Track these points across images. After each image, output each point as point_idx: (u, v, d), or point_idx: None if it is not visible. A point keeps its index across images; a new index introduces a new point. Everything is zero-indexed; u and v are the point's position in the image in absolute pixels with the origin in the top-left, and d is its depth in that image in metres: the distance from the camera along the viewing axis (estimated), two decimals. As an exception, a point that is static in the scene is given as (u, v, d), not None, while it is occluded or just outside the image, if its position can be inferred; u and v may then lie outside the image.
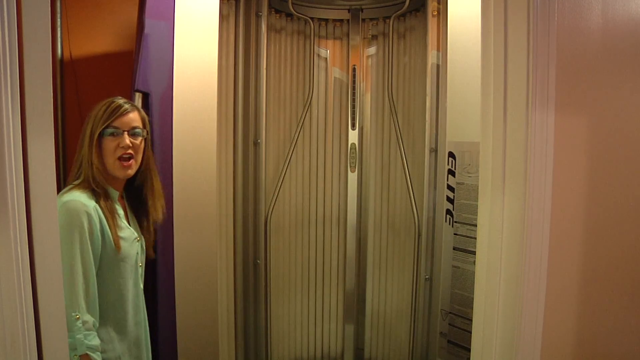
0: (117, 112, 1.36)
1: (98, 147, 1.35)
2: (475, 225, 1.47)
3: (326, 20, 2.36)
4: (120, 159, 1.36)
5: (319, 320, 2.47)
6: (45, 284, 0.88)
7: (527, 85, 1.07)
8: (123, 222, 1.41)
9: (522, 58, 1.07)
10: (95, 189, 1.34)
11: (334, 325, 2.48)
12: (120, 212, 1.42)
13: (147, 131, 1.46)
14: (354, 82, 2.32)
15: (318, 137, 2.40)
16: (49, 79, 0.87)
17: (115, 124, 1.36)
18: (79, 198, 1.29)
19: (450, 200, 1.94)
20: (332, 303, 2.47)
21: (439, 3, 2.05)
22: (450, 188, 1.94)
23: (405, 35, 2.31)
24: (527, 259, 1.09)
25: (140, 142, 1.41)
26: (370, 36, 2.36)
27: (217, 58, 1.79)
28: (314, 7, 2.33)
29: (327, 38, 2.38)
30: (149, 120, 1.50)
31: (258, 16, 2.16)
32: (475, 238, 1.43)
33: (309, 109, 2.32)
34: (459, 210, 1.90)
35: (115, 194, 1.41)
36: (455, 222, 1.92)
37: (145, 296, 1.52)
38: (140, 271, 1.48)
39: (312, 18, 2.31)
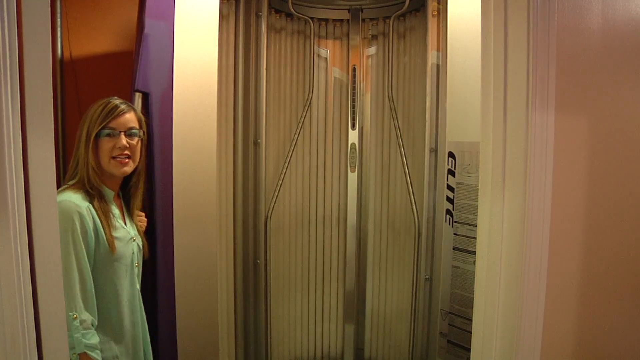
0: (114, 112, 1.36)
1: (94, 148, 1.35)
2: (475, 225, 1.47)
3: (326, 20, 2.36)
4: (116, 157, 1.37)
5: (319, 320, 2.47)
6: (45, 283, 0.88)
7: (527, 85, 1.07)
8: (118, 222, 1.41)
9: (522, 58, 1.07)
10: (90, 190, 1.34)
11: (334, 325, 2.48)
12: (116, 211, 1.42)
13: (144, 131, 1.46)
14: (354, 82, 2.32)
15: (318, 137, 2.40)
16: (49, 79, 0.87)
17: (112, 124, 1.36)
18: (72, 198, 1.29)
19: (450, 200, 1.94)
20: (332, 303, 2.47)
21: (439, 3, 2.05)
22: (450, 188, 1.94)
23: (405, 35, 2.31)
24: (527, 259, 1.09)
25: (137, 143, 1.42)
26: (370, 36, 2.36)
27: (217, 58, 1.79)
28: (314, 7, 2.33)
29: (327, 38, 2.38)
30: (146, 121, 1.50)
31: (258, 16, 2.16)
32: (475, 238, 1.43)
33: (309, 109, 2.32)
34: (459, 210, 1.90)
35: (110, 193, 1.41)
36: (455, 222, 1.92)
37: (145, 296, 1.52)
38: (137, 271, 1.48)
39: (312, 18, 2.31)
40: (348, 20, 2.35)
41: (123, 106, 1.39)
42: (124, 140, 1.37)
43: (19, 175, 0.82)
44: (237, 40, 2.10)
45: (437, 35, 2.05)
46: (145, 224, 1.60)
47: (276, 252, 2.32)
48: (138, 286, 1.48)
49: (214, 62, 1.78)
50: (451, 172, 1.93)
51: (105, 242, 1.33)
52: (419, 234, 2.14)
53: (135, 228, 1.49)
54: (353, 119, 2.34)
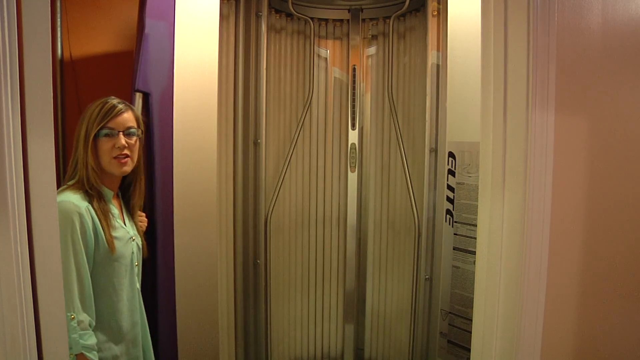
0: (112, 112, 1.36)
1: (93, 148, 1.35)
2: (475, 225, 1.47)
3: (326, 20, 2.36)
4: (116, 157, 1.37)
5: (319, 320, 2.47)
6: (45, 284, 0.88)
7: (527, 85, 1.07)
8: (117, 222, 1.41)
9: (522, 58, 1.07)
10: (89, 190, 1.34)
11: (334, 325, 2.48)
12: (115, 211, 1.42)
13: (142, 130, 1.46)
14: (354, 82, 2.32)
15: (318, 137, 2.40)
16: (49, 79, 0.87)
17: (110, 124, 1.36)
18: (71, 198, 1.29)
19: (450, 200, 1.94)
20: (332, 303, 2.47)
21: (439, 3, 2.05)
22: (450, 188, 1.94)
23: (405, 35, 2.31)
24: (527, 259, 1.09)
25: (135, 142, 1.42)
26: (370, 36, 2.36)
27: (217, 58, 1.79)
28: (314, 7, 2.33)
29: (327, 38, 2.38)
30: (145, 120, 1.50)
31: (258, 16, 2.16)
32: (475, 238, 1.43)
33: (309, 109, 2.32)
34: (459, 210, 1.90)
35: (110, 193, 1.41)
36: (455, 222, 1.92)
37: (145, 296, 1.52)
38: (137, 270, 1.48)
39: (312, 18, 2.31)
40: (348, 20, 2.35)
41: (121, 106, 1.39)
42: (122, 140, 1.37)
43: (19, 175, 0.82)
44: (237, 41, 2.10)
45: (437, 35, 2.05)
46: (146, 224, 1.60)
47: (276, 252, 2.32)
48: (138, 286, 1.48)
49: (214, 62, 1.78)
50: (451, 172, 1.93)
51: (105, 242, 1.33)
52: (419, 234, 2.14)
53: (134, 227, 1.49)
54: (353, 119, 2.34)
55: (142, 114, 1.62)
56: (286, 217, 2.37)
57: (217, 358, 1.84)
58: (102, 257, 1.34)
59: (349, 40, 2.34)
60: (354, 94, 2.33)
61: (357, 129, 2.35)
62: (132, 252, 1.44)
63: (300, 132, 2.32)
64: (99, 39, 2.20)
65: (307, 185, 2.41)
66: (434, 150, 2.06)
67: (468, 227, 1.87)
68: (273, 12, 2.26)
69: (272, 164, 2.30)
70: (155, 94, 1.70)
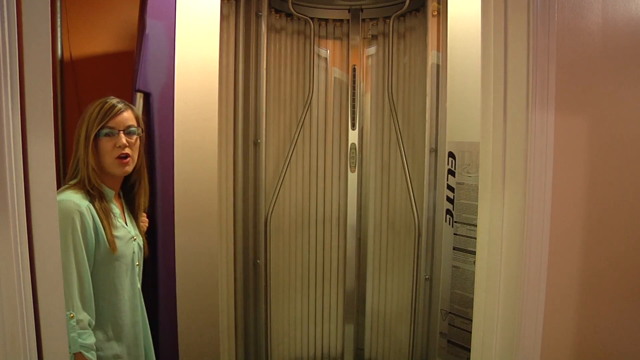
0: (112, 112, 1.37)
1: (94, 148, 1.35)
2: (475, 225, 1.47)
3: (326, 20, 2.36)
4: (117, 157, 1.37)
5: (319, 320, 2.47)
6: (45, 284, 0.88)
7: (527, 85, 1.07)
8: (119, 221, 1.41)
9: (522, 58, 1.07)
10: (90, 190, 1.34)
11: (334, 325, 2.48)
12: (117, 211, 1.42)
13: (142, 129, 1.47)
14: (354, 82, 2.32)
15: (318, 137, 2.40)
16: (49, 79, 0.87)
17: (111, 124, 1.36)
18: (72, 198, 1.30)
19: (450, 200, 1.94)
20: (332, 303, 2.47)
21: (439, 3, 2.05)
22: (450, 188, 1.94)
23: (405, 35, 2.31)
24: (527, 259, 1.09)
25: (136, 141, 1.42)
26: (370, 36, 2.36)
27: (218, 58, 1.79)
28: (314, 7, 2.33)
29: (327, 38, 2.38)
30: (146, 120, 1.50)
31: (258, 16, 2.16)
32: (475, 238, 1.43)
33: (309, 109, 2.32)
34: (459, 210, 1.90)
35: (111, 193, 1.42)
36: (455, 222, 1.92)
37: (146, 296, 1.52)
38: (138, 270, 1.48)
39: (312, 18, 2.31)
40: (348, 20, 2.34)
41: (120, 105, 1.39)
42: (123, 139, 1.37)
43: (19, 175, 0.82)
44: (237, 40, 2.10)
45: (437, 35, 2.05)
46: (147, 225, 1.60)
47: (276, 252, 2.32)
48: (139, 285, 1.48)
49: (215, 62, 1.78)
50: (451, 172, 1.93)
51: (106, 241, 1.33)
52: (419, 234, 2.14)
53: (135, 227, 1.49)
54: (353, 119, 2.34)
55: (142, 114, 1.62)
56: (286, 217, 2.37)
57: (217, 357, 1.84)
58: (103, 256, 1.34)
59: (349, 40, 2.34)
60: (354, 94, 2.33)
61: (357, 129, 2.35)
62: (133, 252, 1.44)
63: (300, 132, 2.32)
64: (99, 39, 2.20)
65: (307, 185, 2.41)
66: (434, 150, 2.06)
67: (468, 227, 1.87)
68: (273, 12, 2.26)
69: (272, 164, 2.30)
70: (156, 94, 1.70)
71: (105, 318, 1.36)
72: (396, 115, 2.26)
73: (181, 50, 1.71)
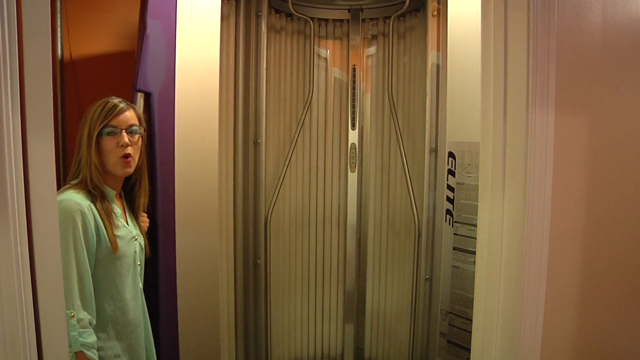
0: (114, 111, 1.37)
1: (97, 148, 1.35)
2: (475, 225, 1.47)
3: (326, 20, 2.36)
4: (121, 157, 1.37)
5: (319, 320, 2.47)
6: (45, 283, 0.88)
7: (527, 85, 1.07)
8: (120, 221, 1.41)
9: (522, 58, 1.07)
10: (92, 190, 1.34)
11: (334, 325, 2.48)
12: (118, 210, 1.42)
13: (144, 128, 1.47)
14: (354, 82, 2.32)
15: (318, 137, 2.40)
16: (49, 79, 0.87)
17: (113, 123, 1.37)
18: (73, 197, 1.30)
19: (450, 200, 1.94)
20: (332, 303, 2.47)
21: (439, 3, 2.05)
22: (450, 188, 1.94)
23: (405, 35, 2.31)
24: (527, 259, 1.09)
25: (138, 140, 1.43)
26: (370, 36, 2.36)
27: (218, 58, 1.79)
28: (314, 7, 2.33)
29: (327, 38, 2.38)
30: (148, 120, 1.50)
31: (258, 16, 2.16)
32: (475, 238, 1.43)
33: (309, 109, 2.32)
34: (459, 210, 1.90)
35: (112, 193, 1.42)
36: (455, 222, 1.92)
37: (147, 296, 1.52)
38: (139, 270, 1.48)
39: (312, 18, 2.31)
40: (348, 20, 2.34)
41: (122, 105, 1.40)
42: (125, 138, 1.37)
43: (19, 175, 0.82)
44: (238, 40, 2.10)
45: (437, 35, 2.05)
46: (147, 225, 1.60)
47: (276, 252, 2.32)
48: (140, 285, 1.48)
49: (216, 62, 1.78)
50: (451, 172, 1.93)
51: (107, 241, 1.33)
52: (419, 234, 2.14)
53: (137, 227, 1.49)
54: (353, 119, 2.34)
55: (143, 113, 1.62)
56: (286, 217, 2.37)
57: (217, 357, 1.84)
58: (104, 256, 1.34)
59: (349, 40, 2.34)
60: (354, 94, 2.33)
61: (357, 129, 2.35)
62: (135, 252, 1.44)
63: (300, 132, 2.32)
64: (99, 39, 2.20)
65: (307, 185, 2.41)
66: (434, 150, 2.06)
67: (468, 227, 1.87)
68: (273, 12, 2.26)
69: (272, 164, 2.30)
70: (157, 94, 1.70)
71: (106, 317, 1.36)
72: (396, 115, 2.26)
73: (181, 50, 1.71)
